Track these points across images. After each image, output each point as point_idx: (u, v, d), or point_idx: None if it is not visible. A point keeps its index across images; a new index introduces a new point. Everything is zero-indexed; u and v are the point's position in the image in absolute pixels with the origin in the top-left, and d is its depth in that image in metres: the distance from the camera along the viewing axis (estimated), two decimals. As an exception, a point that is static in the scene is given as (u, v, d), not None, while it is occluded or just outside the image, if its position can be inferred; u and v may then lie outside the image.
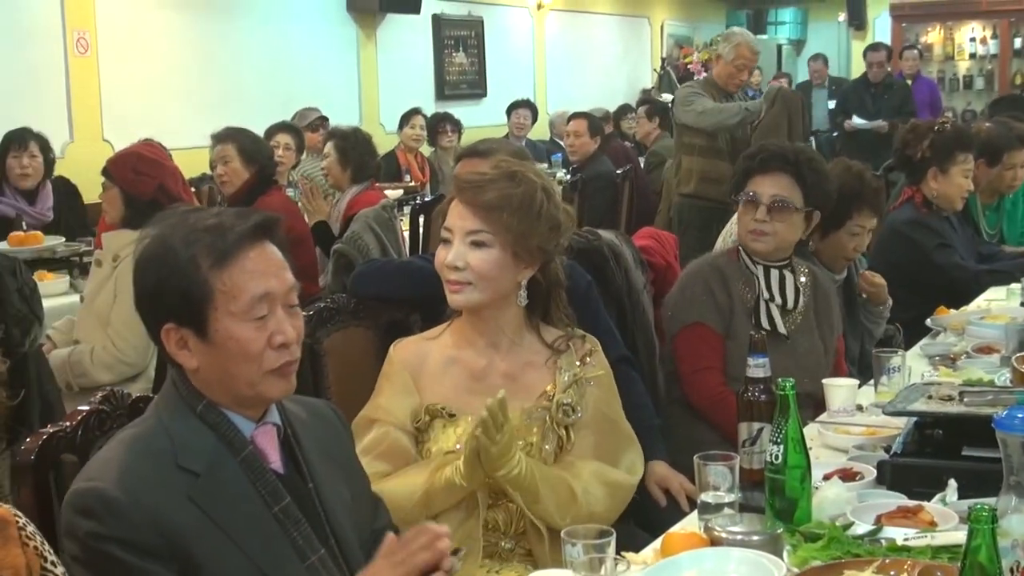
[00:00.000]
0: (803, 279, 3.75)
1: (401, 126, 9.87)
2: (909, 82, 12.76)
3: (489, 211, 2.75)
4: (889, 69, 12.04)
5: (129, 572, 1.94)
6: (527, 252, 2.78)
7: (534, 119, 11.54)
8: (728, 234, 4.75)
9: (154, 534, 1.95)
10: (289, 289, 2.14)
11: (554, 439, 2.82)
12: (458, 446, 2.74)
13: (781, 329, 3.64)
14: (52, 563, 1.84)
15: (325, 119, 9.08)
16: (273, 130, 7.98)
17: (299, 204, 6.42)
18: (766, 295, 3.66)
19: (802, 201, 3.65)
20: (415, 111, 9.91)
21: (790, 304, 3.67)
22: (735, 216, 4.76)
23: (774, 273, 3.68)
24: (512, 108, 11.44)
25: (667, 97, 12.71)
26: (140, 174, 4.52)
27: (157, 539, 1.95)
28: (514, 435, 2.65)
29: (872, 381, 3.51)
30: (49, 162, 6.83)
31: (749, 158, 3.80)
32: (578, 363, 2.88)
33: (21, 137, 6.71)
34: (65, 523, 2.00)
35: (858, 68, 17.21)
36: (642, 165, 9.95)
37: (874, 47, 12.48)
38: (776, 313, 3.65)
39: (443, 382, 2.83)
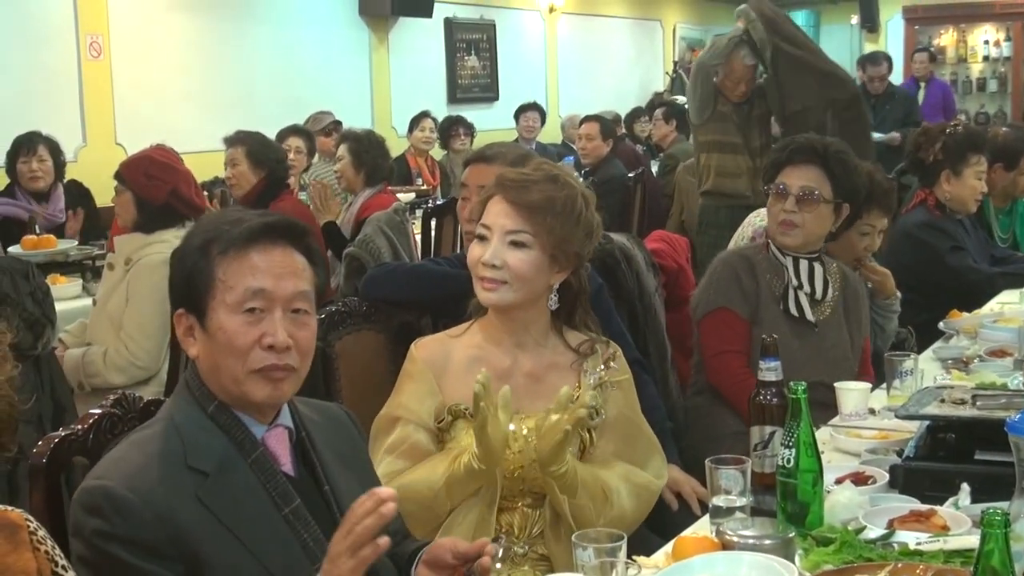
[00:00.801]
0: (833, 273, 3.77)
1: (410, 129, 9.88)
2: (921, 87, 12.68)
3: (532, 211, 2.74)
4: (891, 79, 11.22)
5: (133, 574, 1.94)
6: (564, 256, 2.78)
7: (543, 122, 11.55)
8: (741, 237, 4.75)
9: (161, 533, 1.96)
10: (294, 294, 2.13)
11: (577, 441, 2.81)
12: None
13: (809, 316, 3.67)
14: (63, 567, 1.84)
15: (338, 123, 9.09)
16: (284, 134, 8.00)
17: (311, 207, 6.43)
18: (795, 283, 3.68)
19: (831, 193, 3.67)
20: (424, 114, 9.92)
21: (819, 294, 3.70)
22: (748, 218, 4.79)
23: (803, 263, 3.71)
24: (520, 112, 11.44)
25: (681, 100, 12.71)
26: (152, 178, 4.54)
27: (164, 539, 1.96)
28: (569, 433, 2.63)
29: (884, 384, 3.50)
30: (60, 165, 6.85)
31: (779, 150, 3.84)
32: (602, 367, 2.88)
33: (30, 141, 6.74)
34: (73, 522, 2.00)
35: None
36: (656, 168, 9.96)
37: (874, 60, 11.13)
38: (805, 301, 3.67)
39: (467, 381, 2.78)
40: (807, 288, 3.69)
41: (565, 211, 2.75)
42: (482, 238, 2.79)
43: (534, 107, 11.48)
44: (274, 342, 2.09)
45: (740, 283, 3.68)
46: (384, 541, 1.92)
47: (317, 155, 8.74)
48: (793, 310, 3.66)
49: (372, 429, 2.74)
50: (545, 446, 2.62)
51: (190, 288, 2.12)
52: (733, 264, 3.75)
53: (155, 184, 4.54)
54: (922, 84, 12.83)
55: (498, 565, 2.16)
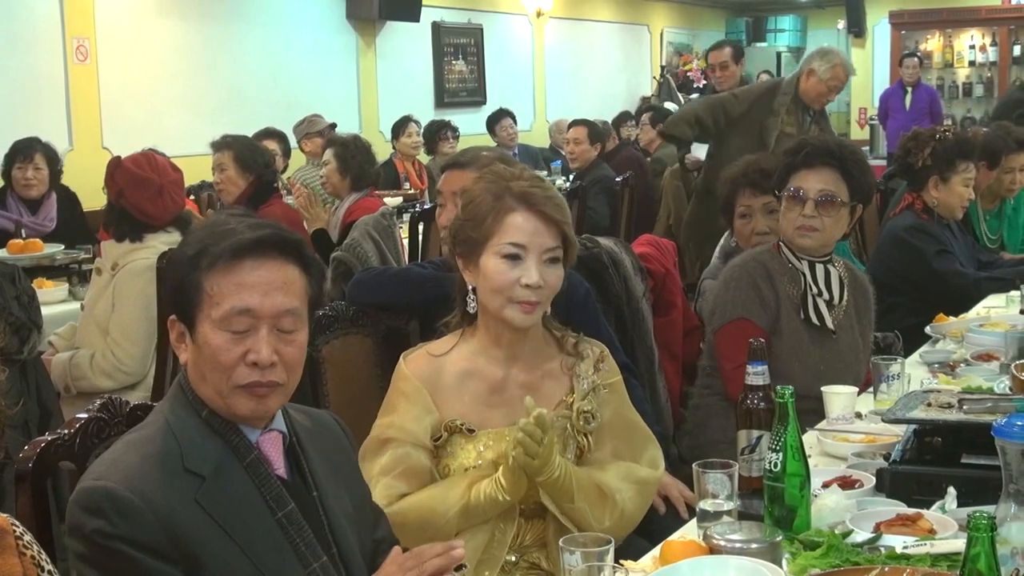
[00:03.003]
0: (843, 274, 3.76)
1: (396, 135, 9.85)
2: (908, 91, 12.67)
3: (562, 226, 2.70)
4: (742, 74, 8.86)
5: (138, 570, 1.95)
6: (570, 260, 2.77)
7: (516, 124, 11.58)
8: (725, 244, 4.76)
9: (161, 535, 1.96)
10: (281, 312, 2.11)
11: (574, 447, 2.80)
12: (479, 462, 2.71)
13: (829, 324, 3.64)
14: (49, 572, 1.83)
15: (333, 126, 9.07)
16: (259, 137, 7.98)
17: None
18: (814, 290, 3.65)
19: (848, 195, 3.62)
20: (407, 119, 9.86)
21: (836, 299, 3.68)
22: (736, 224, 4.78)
23: (819, 268, 3.67)
24: (494, 120, 11.39)
25: (669, 105, 12.73)
26: (112, 179, 4.54)
27: (164, 540, 1.96)
28: (554, 441, 2.63)
29: (871, 388, 3.51)
30: (55, 173, 6.83)
31: (792, 154, 3.76)
32: (593, 370, 2.85)
33: (28, 148, 6.72)
34: (71, 521, 1.99)
35: (858, 76, 17.24)
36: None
37: (715, 48, 8.65)
38: (824, 308, 3.65)
39: (461, 397, 2.76)
40: (825, 295, 3.65)
41: (569, 215, 2.75)
42: (514, 257, 2.68)
43: (507, 113, 11.45)
44: (258, 359, 2.08)
45: (759, 292, 3.62)
46: None
47: (307, 158, 8.73)
48: (813, 318, 3.61)
49: (360, 450, 2.66)
50: (531, 468, 2.61)
51: (180, 297, 2.11)
52: (750, 271, 3.67)
53: (112, 185, 4.55)
54: (909, 89, 12.88)
55: None
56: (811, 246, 3.65)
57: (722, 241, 4.64)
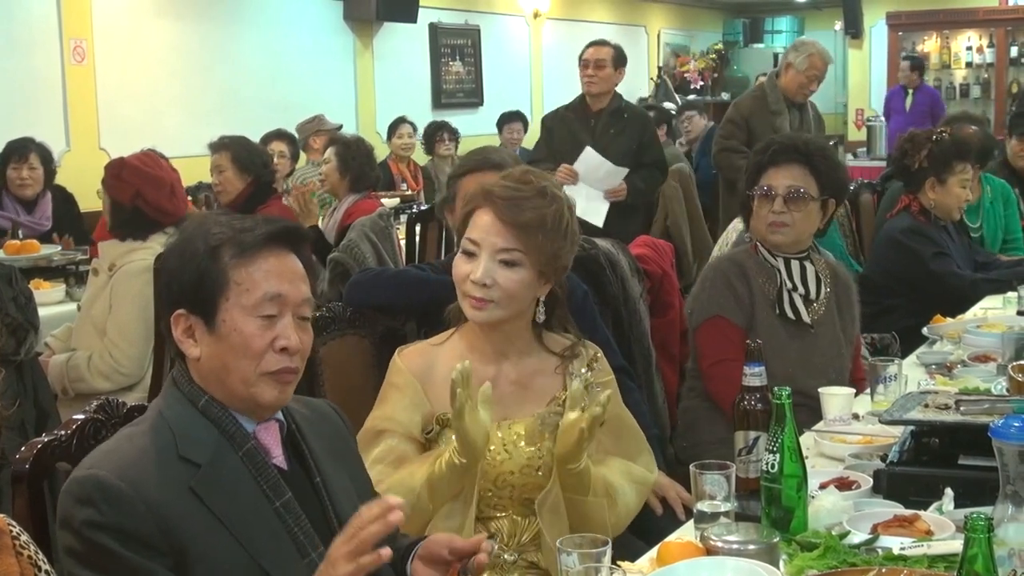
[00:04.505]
0: (824, 270, 3.77)
1: (389, 136, 9.84)
2: (910, 93, 12.64)
3: (525, 230, 2.68)
4: (619, 90, 7.41)
5: (122, 565, 1.94)
6: (553, 271, 2.74)
7: (525, 130, 11.54)
8: (725, 243, 4.76)
9: (152, 525, 1.96)
10: (303, 300, 2.16)
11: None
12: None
13: (805, 318, 3.66)
14: (46, 572, 1.83)
15: (340, 128, 9.04)
16: (268, 138, 7.98)
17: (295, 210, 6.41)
18: (789, 285, 3.67)
19: (817, 190, 3.66)
20: (401, 120, 9.85)
21: (812, 294, 3.69)
22: (732, 223, 4.79)
23: (795, 264, 3.70)
24: (504, 121, 11.40)
25: (668, 106, 12.73)
26: (121, 180, 4.54)
27: (154, 530, 1.96)
28: (586, 434, 2.60)
29: (868, 389, 3.51)
30: (50, 173, 6.83)
31: (760, 152, 3.80)
32: (586, 369, 2.84)
33: (22, 148, 6.72)
34: (62, 512, 1.99)
35: (855, 77, 17.28)
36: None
37: (596, 43, 7.47)
38: (799, 303, 3.67)
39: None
40: (800, 289, 3.67)
41: (555, 227, 2.70)
42: (470, 254, 2.72)
43: (517, 116, 11.46)
44: (288, 344, 2.12)
45: (733, 290, 3.65)
46: (387, 552, 1.95)
47: (307, 158, 8.71)
48: (789, 313, 3.65)
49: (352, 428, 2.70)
50: (564, 444, 2.62)
51: (198, 290, 2.11)
52: (725, 270, 3.72)
53: (123, 186, 4.54)
54: (910, 91, 12.88)
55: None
56: (783, 242, 3.68)
57: (740, 226, 4.61)
